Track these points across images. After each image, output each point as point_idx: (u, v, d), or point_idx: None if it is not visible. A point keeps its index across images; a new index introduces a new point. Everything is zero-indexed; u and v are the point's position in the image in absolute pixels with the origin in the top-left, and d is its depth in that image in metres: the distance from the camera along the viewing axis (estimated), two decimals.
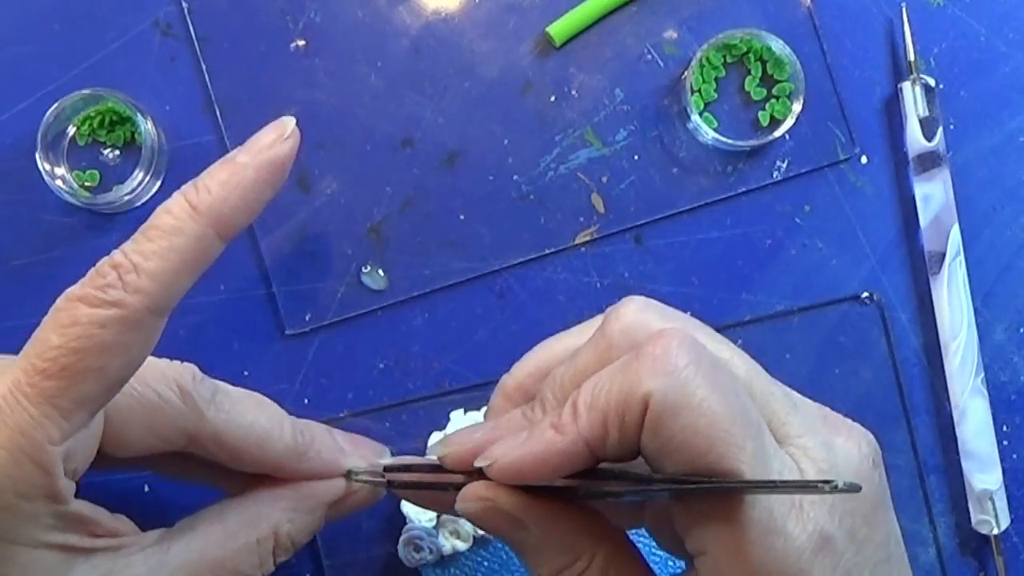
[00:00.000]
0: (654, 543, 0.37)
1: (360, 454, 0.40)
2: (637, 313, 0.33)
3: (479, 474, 0.32)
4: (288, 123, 0.37)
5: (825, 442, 0.33)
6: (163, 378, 0.36)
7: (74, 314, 0.32)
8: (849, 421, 0.35)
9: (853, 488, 0.27)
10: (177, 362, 0.37)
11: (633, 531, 0.37)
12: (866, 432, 0.34)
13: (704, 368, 0.30)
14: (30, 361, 0.32)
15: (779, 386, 0.33)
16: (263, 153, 0.36)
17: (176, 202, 0.35)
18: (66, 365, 0.32)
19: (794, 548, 0.30)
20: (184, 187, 0.35)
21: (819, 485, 0.27)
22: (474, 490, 0.33)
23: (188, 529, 0.37)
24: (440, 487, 0.34)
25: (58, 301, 0.33)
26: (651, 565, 0.34)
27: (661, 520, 0.34)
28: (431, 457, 0.34)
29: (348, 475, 0.39)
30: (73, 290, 0.33)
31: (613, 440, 0.31)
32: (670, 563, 0.44)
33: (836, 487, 0.27)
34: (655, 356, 0.30)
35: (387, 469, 0.38)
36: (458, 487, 0.33)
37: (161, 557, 0.35)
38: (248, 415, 0.37)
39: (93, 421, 0.33)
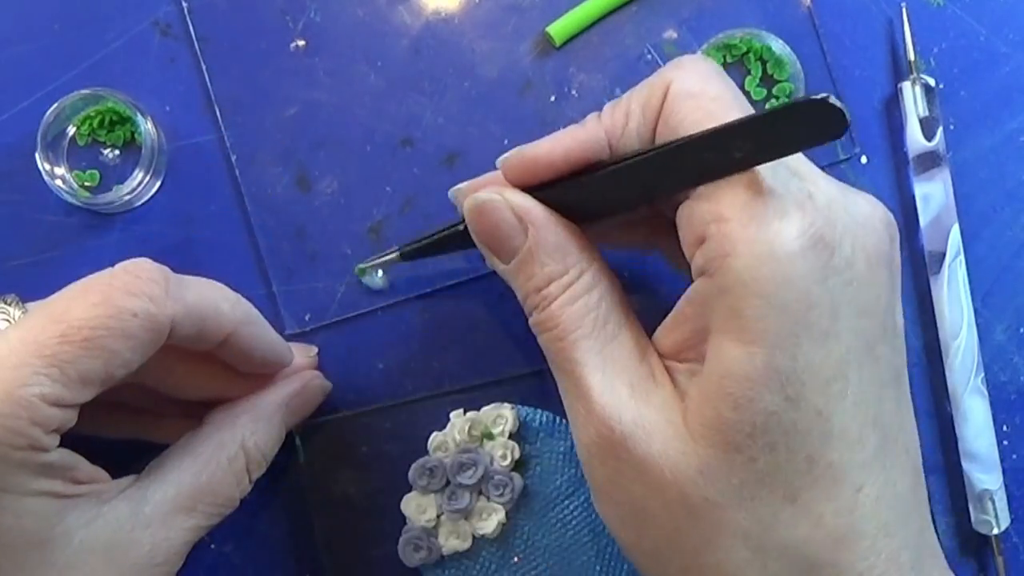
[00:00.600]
0: None
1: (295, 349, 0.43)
2: (702, 63, 0.36)
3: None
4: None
5: (839, 187, 0.34)
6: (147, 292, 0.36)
7: (109, 295, 0.33)
8: (872, 198, 0.35)
9: (843, 111, 0.29)
10: (143, 267, 0.36)
11: None
12: (887, 210, 0.35)
13: (724, 77, 0.34)
14: (47, 325, 0.33)
15: None
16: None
17: (229, 293, 0.38)
18: (88, 337, 0.33)
19: (791, 228, 0.31)
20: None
21: (810, 99, 0.29)
22: (485, 187, 0.36)
23: (159, 468, 0.38)
24: (447, 235, 0.38)
25: (78, 284, 0.34)
26: None
27: (671, 236, 0.35)
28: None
29: (356, 269, 0.42)
30: (103, 276, 0.34)
31: (632, 128, 0.34)
32: None
33: (826, 97, 0.29)
34: (679, 60, 0.35)
35: (401, 248, 0.42)
36: (463, 232, 0.36)
37: (141, 495, 0.36)
38: (201, 288, 0.38)
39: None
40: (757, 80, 0.45)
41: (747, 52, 0.45)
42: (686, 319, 0.34)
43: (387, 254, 0.42)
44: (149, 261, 0.36)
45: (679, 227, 0.34)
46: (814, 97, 0.29)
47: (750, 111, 0.33)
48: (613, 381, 0.34)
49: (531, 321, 0.36)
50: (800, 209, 0.31)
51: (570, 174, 0.35)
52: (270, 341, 0.41)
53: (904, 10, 0.45)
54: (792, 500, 0.32)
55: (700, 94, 0.33)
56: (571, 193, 0.35)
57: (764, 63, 0.45)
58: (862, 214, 0.34)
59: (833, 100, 0.29)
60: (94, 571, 0.34)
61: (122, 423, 0.41)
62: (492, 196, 0.36)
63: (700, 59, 0.35)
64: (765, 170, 0.32)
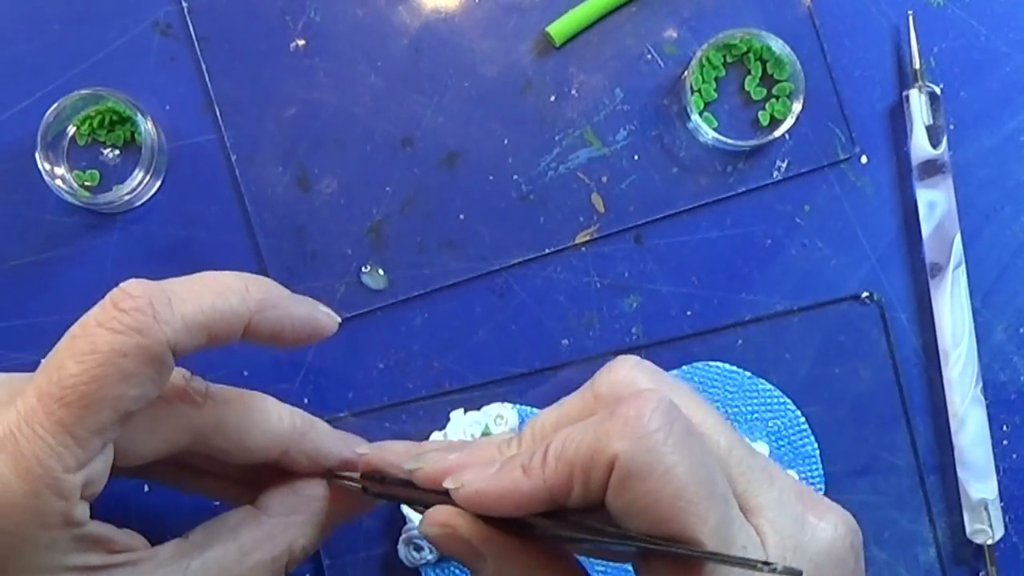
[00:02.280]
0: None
1: (347, 443, 0.40)
2: (629, 371, 0.33)
3: (447, 495, 0.32)
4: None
5: (796, 518, 0.32)
6: None
7: (94, 341, 0.32)
8: (829, 502, 0.34)
9: (794, 572, 0.27)
10: (122, 299, 0.34)
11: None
12: (847, 515, 0.34)
13: (676, 435, 0.30)
14: (47, 388, 0.32)
15: (759, 457, 0.33)
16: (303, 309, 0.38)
17: (236, 283, 0.36)
18: (85, 393, 0.31)
19: None
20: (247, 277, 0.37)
21: (759, 565, 0.27)
22: (438, 514, 0.33)
23: (203, 546, 0.36)
24: (409, 501, 0.35)
25: (74, 328, 0.33)
26: None
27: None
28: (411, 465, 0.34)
29: (329, 474, 0.38)
30: (91, 316, 0.33)
31: (577, 493, 0.31)
32: None
33: (775, 569, 0.27)
34: (627, 417, 0.30)
35: (363, 476, 0.38)
36: (426, 505, 0.33)
37: (181, 570, 0.35)
38: (244, 402, 0.37)
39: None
40: (757, 80, 0.45)
41: (747, 52, 0.45)
42: None
43: (352, 482, 0.39)
44: (136, 282, 0.33)
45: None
46: (763, 566, 0.27)
47: (706, 476, 0.30)
48: None
49: None
50: None
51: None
52: (298, 317, 0.38)
53: (911, 17, 0.45)
54: None
55: (649, 474, 0.29)
56: (521, 529, 0.33)
57: (764, 63, 0.45)
58: (824, 552, 0.32)
59: (781, 568, 0.27)
60: None
61: (187, 480, 0.40)
62: (446, 531, 0.33)
63: (643, 411, 0.30)
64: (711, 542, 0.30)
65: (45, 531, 0.31)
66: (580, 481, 0.30)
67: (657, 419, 0.30)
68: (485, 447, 0.34)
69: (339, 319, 0.40)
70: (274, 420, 0.37)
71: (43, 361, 0.34)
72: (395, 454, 0.37)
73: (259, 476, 0.39)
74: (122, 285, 0.33)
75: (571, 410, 0.33)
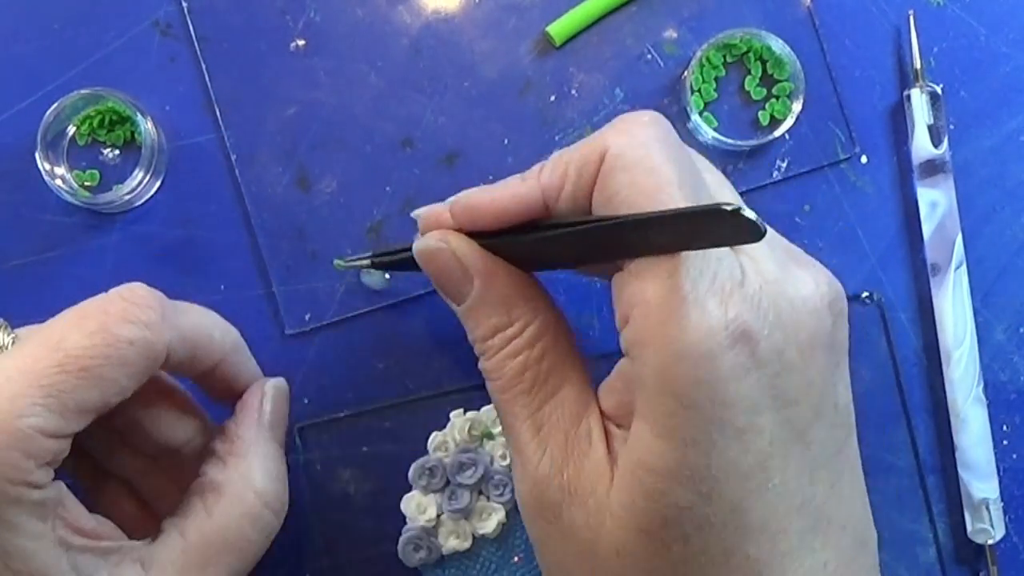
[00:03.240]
0: None
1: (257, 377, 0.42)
2: (643, 128, 0.33)
3: None
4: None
5: (780, 264, 0.32)
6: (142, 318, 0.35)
7: (105, 322, 0.33)
8: (819, 264, 0.34)
9: (757, 223, 0.27)
10: (138, 293, 0.35)
11: None
12: (832, 277, 0.34)
13: (668, 144, 0.32)
14: (46, 351, 0.32)
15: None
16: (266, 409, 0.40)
17: (218, 320, 0.39)
18: (86, 367, 0.32)
19: (708, 326, 0.29)
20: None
21: (721, 207, 0.28)
22: (433, 232, 0.35)
23: (165, 528, 0.36)
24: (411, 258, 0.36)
25: (79, 308, 0.34)
26: None
27: None
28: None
29: (334, 264, 0.41)
30: (99, 302, 0.34)
31: (568, 192, 0.32)
32: None
33: (737, 209, 0.27)
34: (623, 120, 0.32)
35: (374, 255, 0.40)
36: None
37: (149, 557, 0.35)
38: (195, 315, 0.38)
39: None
40: (757, 80, 0.45)
41: (747, 52, 0.45)
42: (616, 390, 0.33)
43: (362, 258, 0.40)
44: (143, 286, 0.35)
45: (613, 296, 0.32)
46: (725, 206, 0.28)
47: (691, 183, 0.31)
48: (548, 443, 0.33)
49: (479, 366, 0.35)
50: (723, 303, 0.30)
51: (509, 227, 0.35)
52: (253, 370, 0.41)
53: (912, 17, 0.45)
54: None
55: (635, 166, 0.31)
56: (510, 247, 0.34)
57: (764, 63, 0.45)
58: (801, 296, 0.32)
59: (746, 212, 0.28)
60: None
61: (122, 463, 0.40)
62: (438, 244, 0.35)
63: (646, 120, 0.33)
64: (692, 256, 0.30)
65: (10, 486, 0.31)
66: (572, 179, 0.32)
67: (652, 127, 0.32)
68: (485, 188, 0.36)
69: (285, 386, 0.42)
70: (220, 333, 0.39)
71: (33, 328, 0.34)
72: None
73: (175, 459, 0.39)
74: (128, 285, 0.35)
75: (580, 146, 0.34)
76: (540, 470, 0.33)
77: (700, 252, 0.30)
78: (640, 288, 0.31)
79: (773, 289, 0.31)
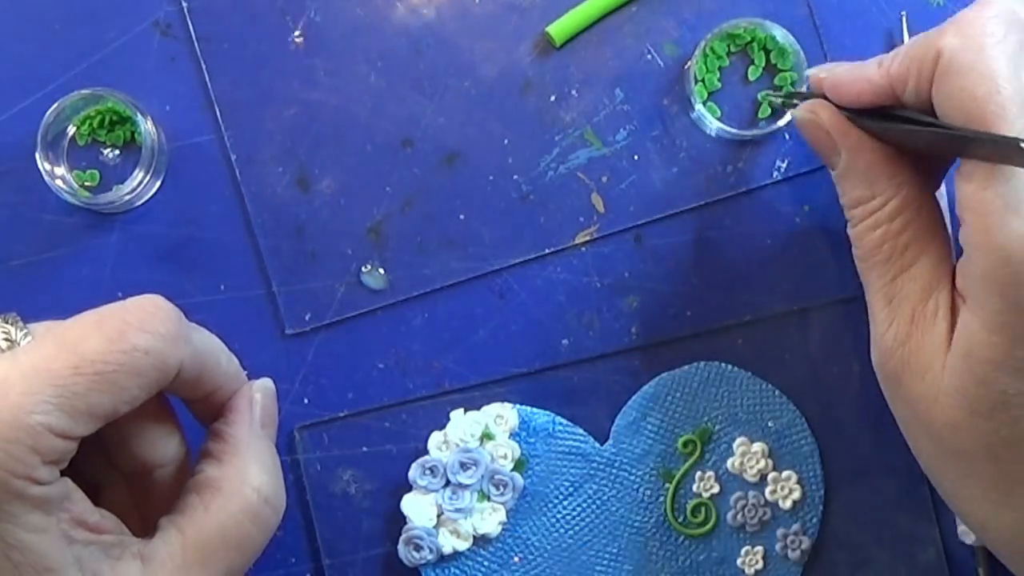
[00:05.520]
0: None
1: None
2: (981, 28, 0.34)
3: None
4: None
5: None
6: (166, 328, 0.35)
7: (124, 331, 0.33)
8: None
9: None
10: (158, 304, 0.36)
11: None
12: None
13: (1008, 44, 0.33)
14: (63, 352, 0.32)
15: None
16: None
17: (224, 350, 0.39)
18: (100, 371, 0.32)
19: None
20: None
21: (1018, 143, 0.30)
22: (809, 103, 0.39)
23: (164, 525, 0.36)
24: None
25: (99, 312, 0.34)
26: None
27: None
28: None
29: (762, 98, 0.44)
30: (118, 309, 0.34)
31: (911, 87, 0.35)
32: None
33: None
34: (965, 17, 0.34)
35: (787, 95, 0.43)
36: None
37: (149, 554, 0.35)
38: (205, 336, 0.38)
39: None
40: (760, 69, 0.45)
41: (751, 42, 0.45)
42: (959, 274, 0.36)
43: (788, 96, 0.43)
44: (162, 299, 0.35)
45: (956, 188, 0.35)
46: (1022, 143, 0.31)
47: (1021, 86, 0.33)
48: (895, 315, 0.37)
49: (847, 230, 0.39)
50: None
51: (866, 108, 0.38)
52: (249, 399, 0.40)
53: (904, 18, 0.45)
54: None
55: (969, 71, 0.33)
56: (863, 126, 0.38)
57: (768, 52, 0.45)
58: None
59: None
60: None
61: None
62: (808, 115, 0.39)
63: (983, 14, 0.34)
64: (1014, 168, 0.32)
65: (13, 479, 0.31)
66: (913, 76, 0.34)
67: (993, 26, 0.33)
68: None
69: (272, 387, 0.41)
70: (224, 358, 0.39)
71: (49, 325, 0.34)
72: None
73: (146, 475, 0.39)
74: (148, 296, 0.35)
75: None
76: (885, 341, 0.37)
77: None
78: (969, 192, 0.33)
79: None
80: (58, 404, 0.32)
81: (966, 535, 0.44)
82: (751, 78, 0.45)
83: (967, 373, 0.34)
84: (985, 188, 0.33)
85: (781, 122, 0.45)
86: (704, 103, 0.45)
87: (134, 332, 0.33)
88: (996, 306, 0.33)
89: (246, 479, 0.37)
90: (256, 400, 0.40)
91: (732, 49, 0.46)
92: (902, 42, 0.45)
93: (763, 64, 0.45)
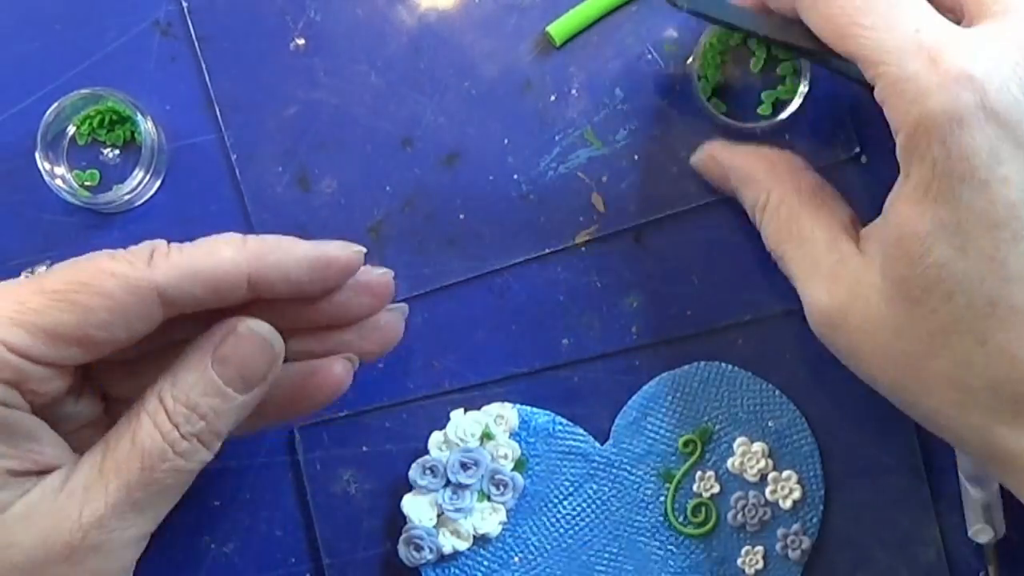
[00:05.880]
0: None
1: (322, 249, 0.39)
2: None
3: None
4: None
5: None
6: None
7: (92, 257, 0.34)
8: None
9: None
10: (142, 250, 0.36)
11: None
12: None
13: None
14: (35, 281, 0.34)
15: None
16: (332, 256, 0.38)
17: (234, 237, 0.37)
18: (60, 290, 0.33)
19: (940, 98, 0.34)
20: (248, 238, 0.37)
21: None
22: (706, 148, 0.44)
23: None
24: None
25: (82, 258, 0.35)
26: None
27: None
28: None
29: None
30: (104, 252, 0.35)
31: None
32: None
33: None
34: None
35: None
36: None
37: (74, 466, 0.35)
38: (200, 248, 0.36)
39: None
40: (761, 62, 0.45)
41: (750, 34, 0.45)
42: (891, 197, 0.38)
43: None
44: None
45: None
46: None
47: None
48: (811, 276, 0.40)
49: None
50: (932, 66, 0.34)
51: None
52: (302, 254, 0.38)
53: None
54: (982, 343, 0.34)
55: None
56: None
57: (768, 45, 0.45)
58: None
59: None
60: (21, 540, 0.33)
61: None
62: (701, 155, 0.44)
63: None
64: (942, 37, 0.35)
65: None
66: None
67: None
68: None
69: (362, 249, 0.39)
70: (229, 253, 0.36)
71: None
72: None
73: None
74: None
75: None
76: (817, 304, 0.39)
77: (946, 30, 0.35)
78: (883, 85, 0.35)
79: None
80: (16, 320, 0.32)
81: (978, 534, 0.44)
82: (753, 70, 0.45)
83: (900, 259, 0.35)
84: (876, 75, 0.35)
85: (785, 114, 0.44)
86: (708, 99, 0.45)
87: (101, 258, 0.34)
88: (919, 175, 0.35)
89: (154, 408, 0.35)
90: (240, 335, 0.36)
91: (732, 43, 0.46)
92: None
93: (764, 56, 0.45)
